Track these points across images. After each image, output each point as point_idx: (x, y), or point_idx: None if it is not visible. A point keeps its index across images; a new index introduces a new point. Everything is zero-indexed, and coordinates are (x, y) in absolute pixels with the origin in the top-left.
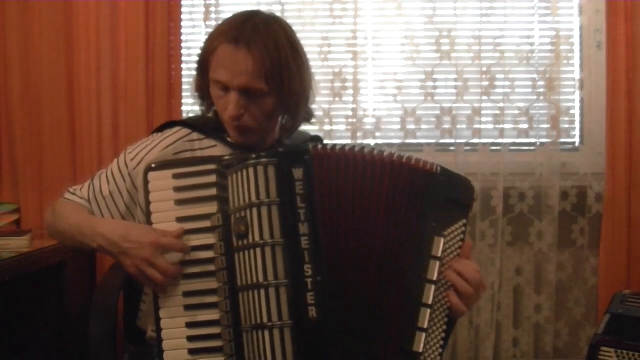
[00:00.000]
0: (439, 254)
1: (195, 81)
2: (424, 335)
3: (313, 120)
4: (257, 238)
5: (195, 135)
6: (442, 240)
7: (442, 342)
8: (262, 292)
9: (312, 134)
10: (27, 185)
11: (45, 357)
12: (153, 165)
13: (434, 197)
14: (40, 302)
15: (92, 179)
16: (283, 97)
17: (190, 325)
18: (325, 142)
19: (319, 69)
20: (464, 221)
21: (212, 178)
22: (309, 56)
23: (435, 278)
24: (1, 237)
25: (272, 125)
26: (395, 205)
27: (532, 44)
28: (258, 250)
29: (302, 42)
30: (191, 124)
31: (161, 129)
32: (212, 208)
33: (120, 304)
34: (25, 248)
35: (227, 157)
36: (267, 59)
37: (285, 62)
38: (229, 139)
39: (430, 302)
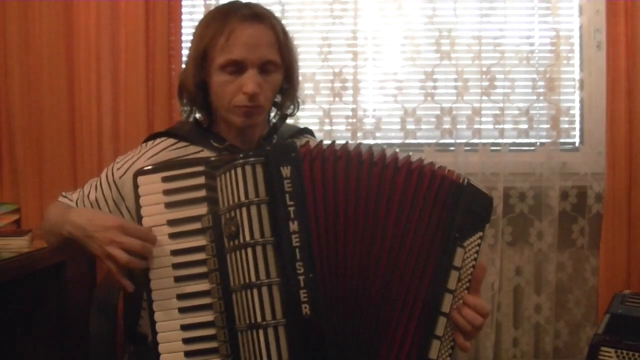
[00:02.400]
0: (459, 265)
1: (186, 80)
2: (439, 343)
3: (313, 120)
4: (247, 238)
5: (180, 144)
6: (463, 251)
7: (450, 351)
8: (255, 291)
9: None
10: (27, 185)
11: (45, 357)
12: (143, 169)
13: (459, 207)
14: (40, 302)
15: (83, 187)
16: (288, 72)
17: (185, 327)
18: (326, 141)
19: (319, 69)
20: (481, 234)
21: (201, 179)
22: (309, 56)
23: (454, 288)
24: (1, 237)
25: (269, 108)
26: (413, 210)
27: (532, 44)
28: (249, 249)
29: (302, 42)
30: (174, 133)
31: (147, 141)
32: (202, 209)
33: (120, 304)
34: (25, 248)
35: (215, 158)
36: (279, 31)
37: (287, 35)
38: (214, 144)
39: (447, 310)
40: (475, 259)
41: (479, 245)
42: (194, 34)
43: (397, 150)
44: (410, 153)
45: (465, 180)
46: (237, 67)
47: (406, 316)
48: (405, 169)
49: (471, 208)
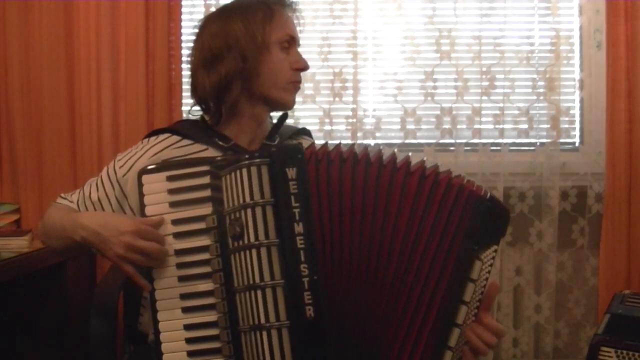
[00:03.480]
0: (476, 277)
1: (232, 69)
2: (451, 354)
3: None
4: (252, 239)
5: (184, 142)
6: (480, 264)
7: None
8: (259, 292)
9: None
10: (27, 185)
11: (45, 357)
12: (147, 168)
13: (479, 219)
14: (40, 302)
15: (82, 186)
16: None
17: (188, 327)
18: (331, 142)
19: (319, 69)
20: (496, 247)
21: (206, 179)
22: (309, 56)
23: (469, 300)
24: (1, 237)
25: None
26: (426, 215)
27: (532, 44)
28: (253, 251)
29: (302, 42)
30: (178, 130)
31: (149, 136)
32: (206, 209)
33: (120, 304)
34: (25, 248)
35: (220, 158)
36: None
37: None
38: (220, 142)
39: (461, 322)
40: (489, 272)
41: (493, 258)
42: (226, 29)
43: (410, 154)
44: (425, 158)
45: (488, 194)
46: (289, 44)
47: (418, 324)
48: (418, 173)
49: (490, 220)
